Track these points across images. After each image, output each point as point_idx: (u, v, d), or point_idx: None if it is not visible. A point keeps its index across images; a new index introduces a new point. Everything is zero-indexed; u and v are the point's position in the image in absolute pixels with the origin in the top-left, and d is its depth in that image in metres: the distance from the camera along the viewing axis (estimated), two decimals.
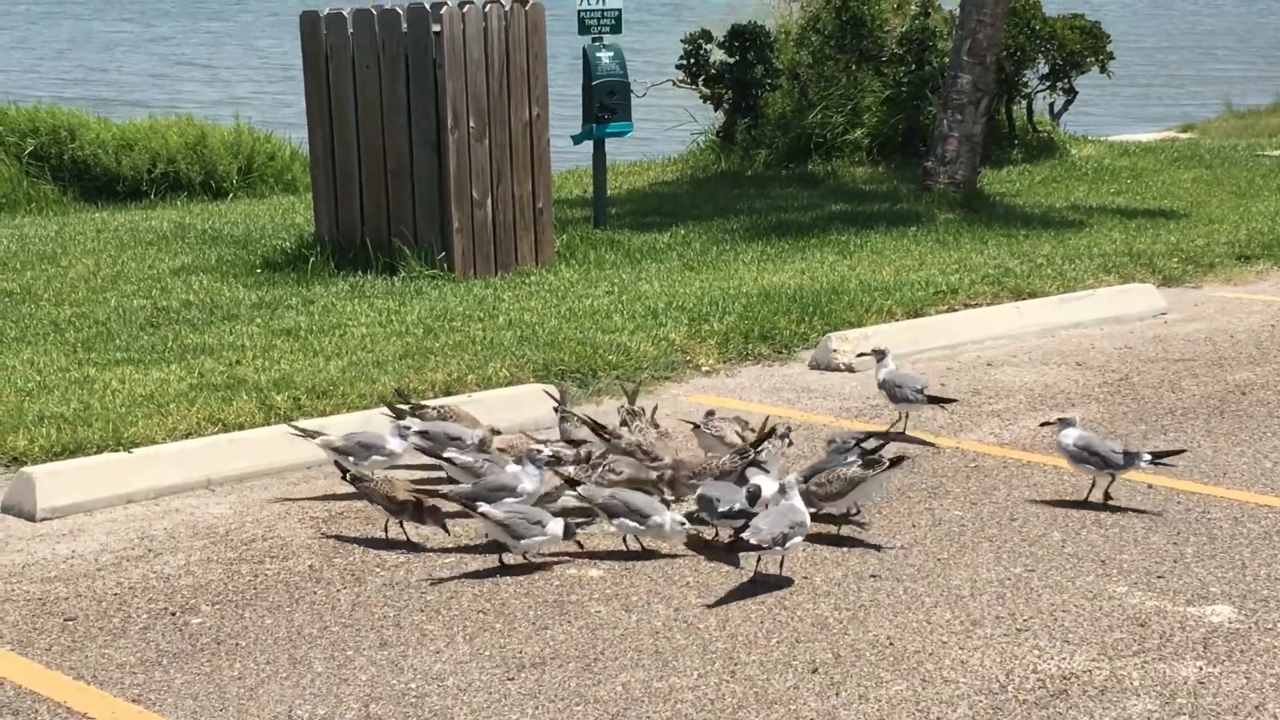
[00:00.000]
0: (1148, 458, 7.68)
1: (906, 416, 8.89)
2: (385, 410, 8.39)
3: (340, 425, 8.28)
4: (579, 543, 7.07)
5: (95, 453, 8.18)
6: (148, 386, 9.24)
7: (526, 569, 6.91)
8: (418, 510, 7.10)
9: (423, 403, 8.48)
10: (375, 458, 7.78)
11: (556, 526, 6.85)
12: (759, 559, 6.82)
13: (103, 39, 52.88)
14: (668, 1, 57.16)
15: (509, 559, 6.95)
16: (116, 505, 7.82)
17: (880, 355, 8.91)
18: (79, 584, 6.82)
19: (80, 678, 5.92)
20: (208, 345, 10.32)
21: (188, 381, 9.36)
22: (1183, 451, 8.18)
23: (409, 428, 7.89)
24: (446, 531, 7.13)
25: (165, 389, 9.18)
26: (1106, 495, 7.71)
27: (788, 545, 6.68)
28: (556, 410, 8.41)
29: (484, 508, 6.90)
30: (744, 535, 6.67)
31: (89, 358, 10.04)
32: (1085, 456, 7.67)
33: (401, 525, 7.28)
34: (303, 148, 16.98)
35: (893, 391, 8.76)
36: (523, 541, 6.83)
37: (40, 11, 62.78)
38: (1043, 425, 8.51)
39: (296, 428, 8.13)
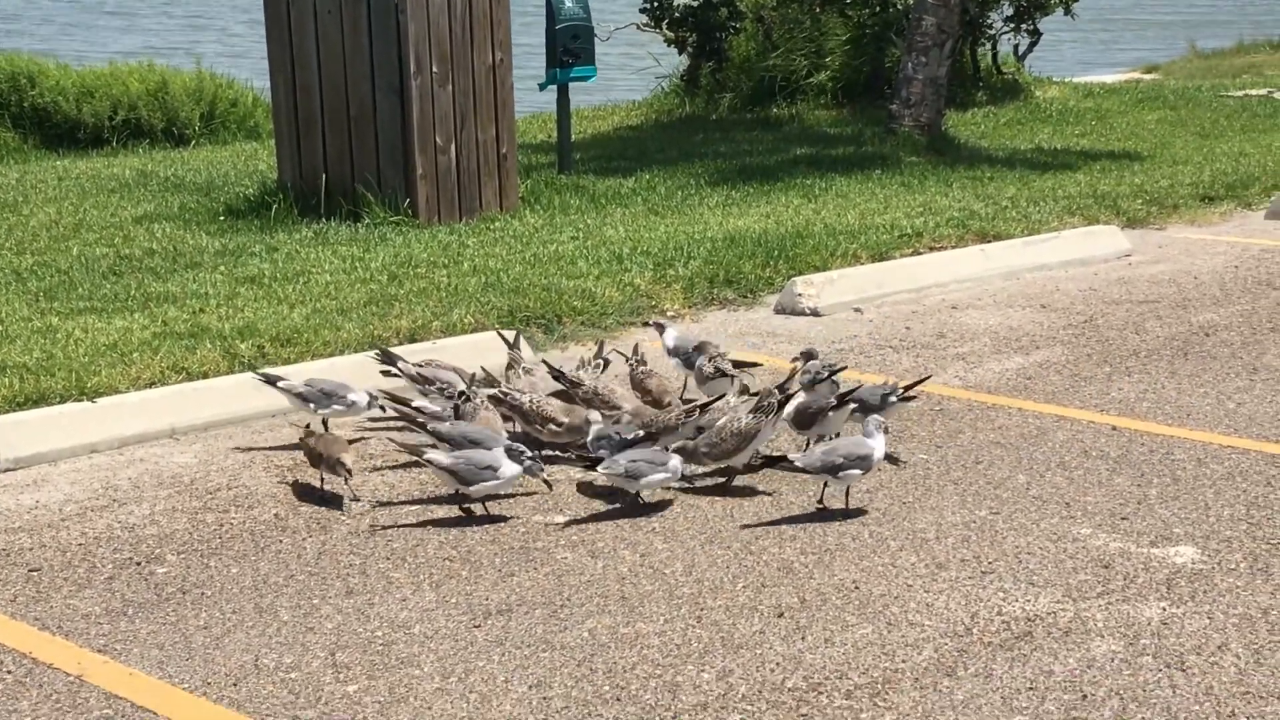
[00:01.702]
0: (900, 391, 7.69)
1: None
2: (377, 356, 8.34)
3: (304, 373, 8.24)
4: (547, 482, 7.08)
5: (59, 402, 8.14)
6: (111, 335, 9.20)
7: (492, 517, 6.91)
8: (330, 464, 7.07)
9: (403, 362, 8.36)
10: (335, 406, 7.75)
11: (510, 469, 6.84)
12: (824, 487, 6.99)
13: None
14: None
15: (477, 509, 6.95)
16: (80, 455, 7.79)
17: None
18: (43, 534, 6.80)
19: (45, 628, 5.90)
20: (171, 294, 10.27)
21: (151, 330, 9.32)
22: (928, 378, 8.41)
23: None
24: (346, 481, 7.10)
25: (129, 338, 9.14)
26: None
27: (840, 475, 6.80)
28: (509, 358, 8.36)
29: (430, 454, 6.92)
30: (791, 457, 6.89)
31: (51, 307, 9.99)
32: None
33: (320, 479, 7.24)
34: (265, 94, 16.88)
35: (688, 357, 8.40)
36: (474, 487, 6.84)
37: None
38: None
39: (261, 373, 8.11)
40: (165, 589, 6.24)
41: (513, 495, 7.13)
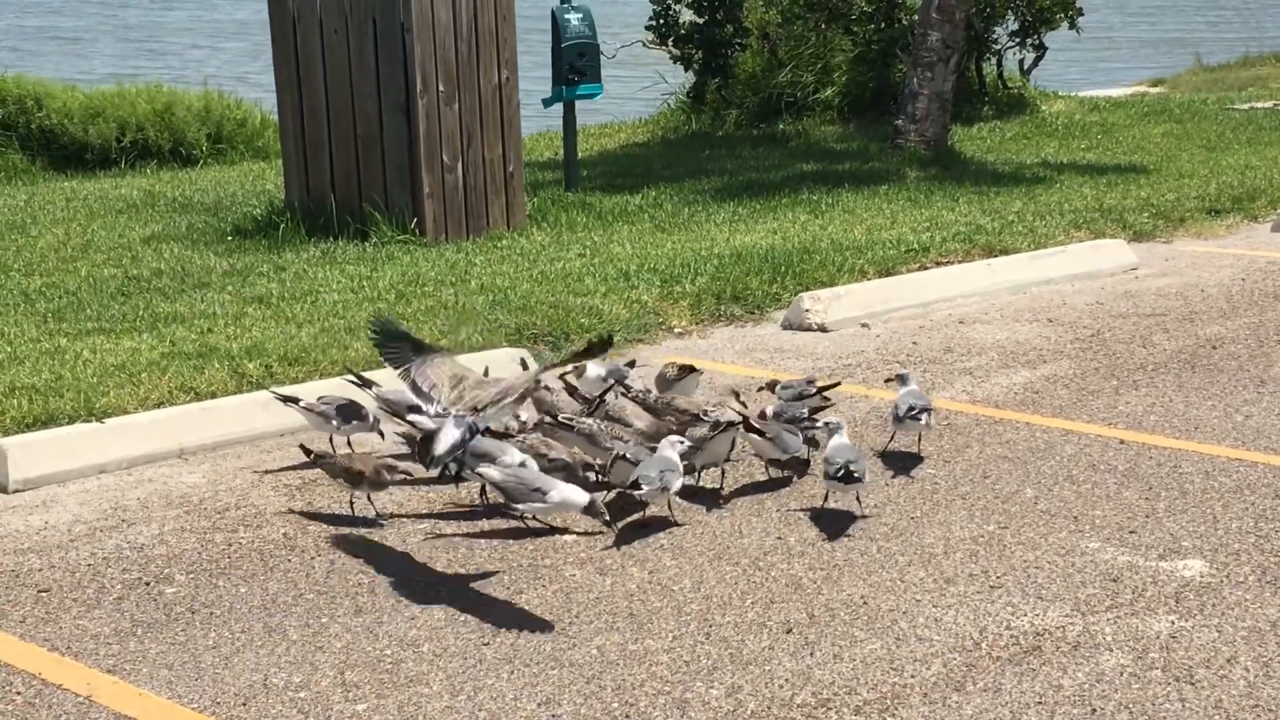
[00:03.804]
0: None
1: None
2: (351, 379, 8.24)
3: (312, 392, 8.24)
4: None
5: (67, 423, 8.15)
6: (119, 356, 9.21)
7: (500, 533, 6.92)
8: (375, 476, 7.05)
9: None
10: (356, 421, 7.76)
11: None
12: (826, 496, 7.16)
13: None
14: None
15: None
16: (89, 476, 7.81)
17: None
18: (52, 555, 6.81)
19: (55, 649, 5.91)
20: (179, 314, 10.29)
21: (159, 350, 9.34)
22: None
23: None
24: (409, 474, 7.24)
25: (137, 358, 9.15)
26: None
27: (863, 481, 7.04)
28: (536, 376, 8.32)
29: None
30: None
31: (60, 328, 10.01)
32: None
33: (368, 498, 7.22)
34: (273, 114, 16.91)
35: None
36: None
37: None
38: (886, 382, 8.53)
39: (276, 392, 8.10)
40: (174, 609, 6.25)
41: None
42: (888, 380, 8.47)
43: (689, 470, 7.22)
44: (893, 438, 7.98)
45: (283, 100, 13.08)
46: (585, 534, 6.91)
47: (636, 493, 6.86)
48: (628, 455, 7.06)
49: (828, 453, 7.05)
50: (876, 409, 8.57)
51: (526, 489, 6.72)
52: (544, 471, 6.96)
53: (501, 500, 6.88)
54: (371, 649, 5.86)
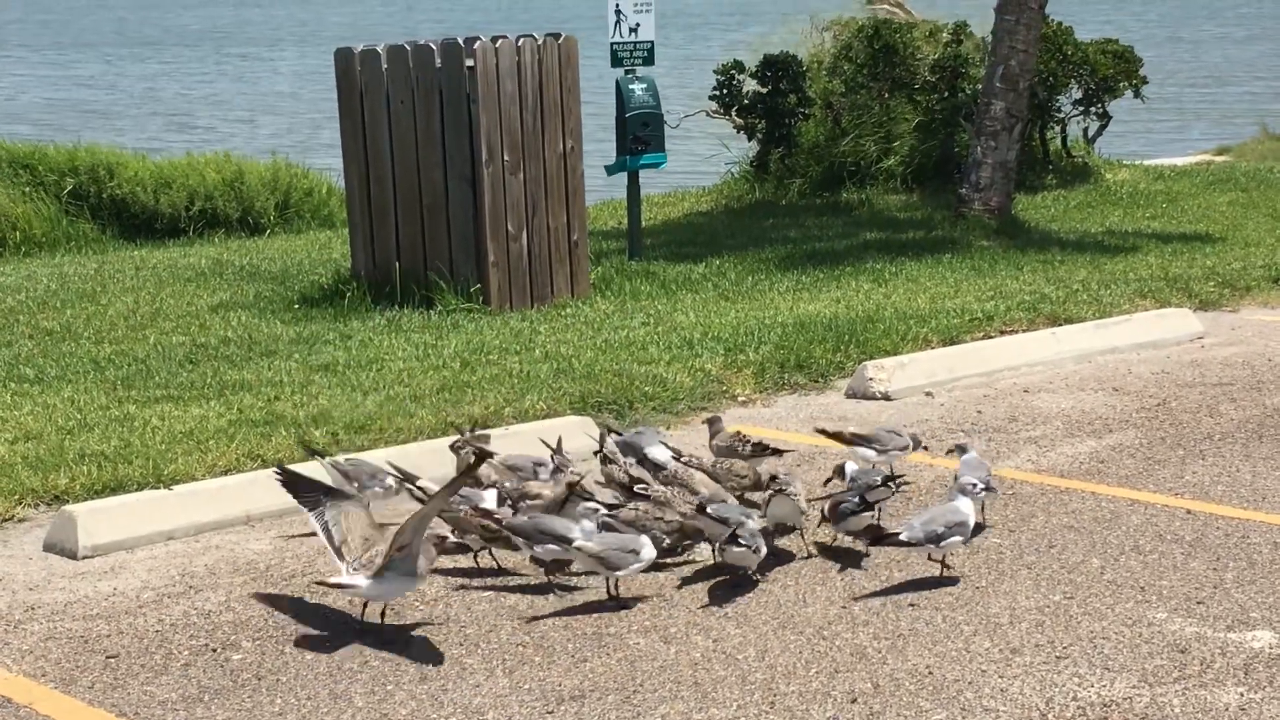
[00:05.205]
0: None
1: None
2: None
3: (377, 460, 8.28)
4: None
5: (136, 490, 8.23)
6: (187, 423, 9.30)
7: (565, 601, 6.93)
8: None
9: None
10: (377, 488, 7.81)
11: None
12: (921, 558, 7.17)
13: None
14: (697, 34, 57.02)
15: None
16: (157, 542, 7.87)
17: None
18: (121, 621, 6.86)
19: (123, 715, 5.95)
20: (246, 381, 10.37)
21: (227, 418, 9.41)
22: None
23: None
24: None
25: (205, 425, 9.23)
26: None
27: (943, 544, 6.93)
28: (597, 453, 8.30)
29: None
30: (895, 532, 6.93)
31: (129, 395, 10.10)
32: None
33: (491, 553, 7.35)
34: (340, 183, 17.06)
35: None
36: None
37: None
38: (948, 454, 8.47)
39: (308, 446, 8.16)
40: (241, 675, 6.29)
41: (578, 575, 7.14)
42: (949, 452, 8.43)
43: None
44: None
45: (349, 170, 13.20)
46: (648, 598, 6.92)
47: (735, 548, 6.92)
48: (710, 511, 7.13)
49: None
50: (941, 478, 8.55)
51: (623, 553, 6.79)
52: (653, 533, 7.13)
53: (599, 570, 6.89)
54: (436, 716, 5.87)
